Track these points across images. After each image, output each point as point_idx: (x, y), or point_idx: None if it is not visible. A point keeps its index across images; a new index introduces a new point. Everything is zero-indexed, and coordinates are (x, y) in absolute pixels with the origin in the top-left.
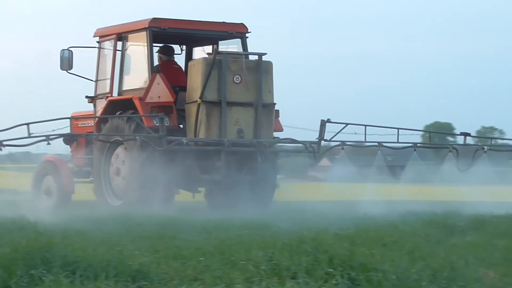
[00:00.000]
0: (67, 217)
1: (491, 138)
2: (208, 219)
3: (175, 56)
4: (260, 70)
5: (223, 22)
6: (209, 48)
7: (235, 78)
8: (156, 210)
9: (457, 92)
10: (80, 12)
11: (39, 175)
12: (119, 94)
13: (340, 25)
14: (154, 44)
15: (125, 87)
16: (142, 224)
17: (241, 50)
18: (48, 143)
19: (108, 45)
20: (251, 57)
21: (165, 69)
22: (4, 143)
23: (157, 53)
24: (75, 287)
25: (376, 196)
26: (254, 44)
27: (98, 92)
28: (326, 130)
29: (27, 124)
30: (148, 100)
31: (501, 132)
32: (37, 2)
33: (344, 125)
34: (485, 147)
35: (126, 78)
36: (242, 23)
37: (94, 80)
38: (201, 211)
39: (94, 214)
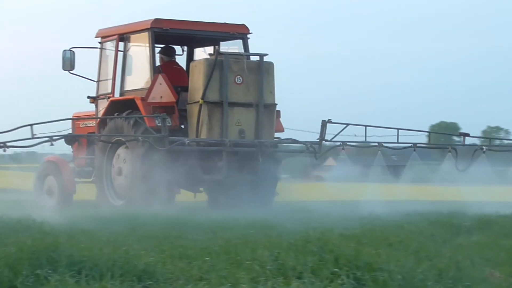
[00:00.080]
0: (73, 217)
1: (490, 138)
2: (214, 219)
3: (176, 57)
4: (262, 70)
5: (225, 23)
6: (210, 49)
7: (236, 79)
8: (157, 209)
9: (463, 91)
10: (82, 13)
11: (41, 175)
12: (121, 94)
13: (340, 25)
14: (155, 45)
15: (127, 87)
16: (147, 224)
17: (242, 51)
18: (52, 144)
19: (110, 45)
20: (253, 58)
21: (166, 69)
22: (8, 144)
23: (158, 54)
24: (81, 287)
25: (379, 196)
26: (254, 45)
27: (100, 93)
28: (327, 130)
29: (31, 125)
30: (150, 100)
31: (506, 132)
32: (39, 2)
33: (345, 125)
34: (484, 147)
35: (128, 78)
36: (243, 24)
37: (96, 80)
38: (207, 211)
39: (99, 214)
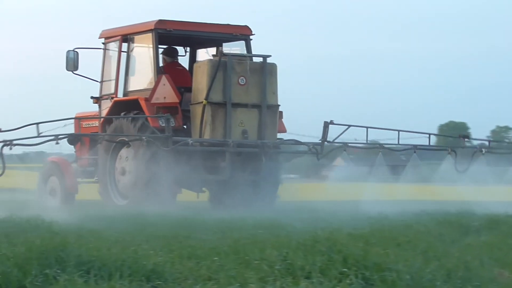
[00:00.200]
0: (81, 217)
1: (489, 141)
2: (222, 219)
3: (178, 57)
4: (265, 72)
5: (228, 24)
6: (213, 50)
7: (240, 80)
8: (159, 209)
9: (472, 91)
10: (83, 13)
11: (44, 175)
12: (124, 95)
13: (341, 25)
14: (159, 46)
15: (130, 88)
16: (156, 224)
17: (245, 52)
18: (57, 143)
19: (113, 46)
20: (256, 59)
21: (169, 70)
22: (14, 142)
23: (161, 55)
24: (90, 287)
25: (385, 196)
26: (255, 45)
27: (103, 93)
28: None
29: (37, 123)
30: (154, 100)
31: None
32: (39, 3)
33: (347, 127)
34: (483, 149)
35: (131, 79)
36: (246, 26)
37: (99, 81)
38: (215, 211)
39: (107, 214)
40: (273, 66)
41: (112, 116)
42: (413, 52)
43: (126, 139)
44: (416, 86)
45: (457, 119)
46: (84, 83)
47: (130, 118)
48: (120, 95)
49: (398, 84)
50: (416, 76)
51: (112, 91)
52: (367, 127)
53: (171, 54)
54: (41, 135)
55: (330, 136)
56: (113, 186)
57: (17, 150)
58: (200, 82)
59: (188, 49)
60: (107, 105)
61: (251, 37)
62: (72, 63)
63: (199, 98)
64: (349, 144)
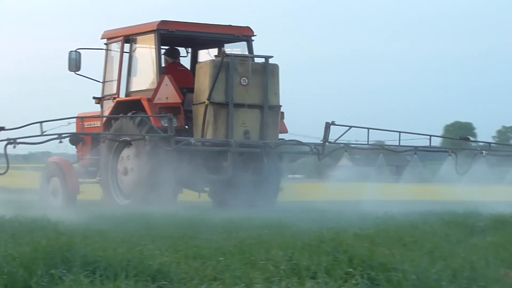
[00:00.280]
0: (86, 217)
1: (490, 143)
2: (228, 219)
3: (180, 58)
4: (267, 72)
5: (229, 25)
6: (214, 51)
7: (242, 80)
8: (161, 209)
9: (478, 91)
10: (82, 13)
11: (46, 176)
12: (126, 95)
13: (341, 25)
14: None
15: (133, 88)
16: (162, 224)
17: (246, 53)
18: (60, 141)
19: (115, 47)
20: (257, 60)
21: (170, 71)
22: (18, 140)
23: (163, 56)
24: (95, 287)
25: (390, 196)
26: (255, 45)
27: (105, 93)
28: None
29: (40, 122)
30: (156, 101)
31: None
32: (39, 2)
33: (348, 127)
34: (484, 151)
35: (133, 79)
36: (248, 27)
37: (101, 81)
38: (220, 211)
39: (113, 214)
40: (275, 67)
41: (114, 116)
42: (416, 52)
43: (129, 139)
44: (421, 86)
45: (463, 119)
46: (86, 83)
47: (132, 118)
48: (122, 95)
49: (401, 84)
50: (420, 77)
51: (114, 91)
52: (368, 128)
53: (172, 55)
54: (44, 134)
55: (333, 137)
56: (115, 186)
57: (23, 151)
58: (203, 83)
59: (189, 50)
60: (109, 105)
61: (252, 38)
62: (74, 63)
63: (201, 98)
64: (351, 145)
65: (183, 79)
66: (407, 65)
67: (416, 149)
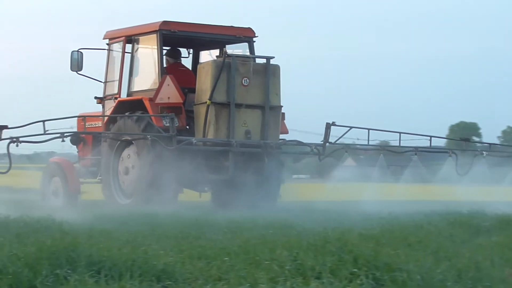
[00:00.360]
0: (90, 217)
1: (491, 144)
2: (232, 219)
3: (182, 59)
4: (268, 73)
5: (231, 26)
6: (215, 52)
7: (243, 81)
8: (162, 208)
9: (484, 91)
10: (82, 13)
11: (47, 176)
12: (128, 95)
13: (345, 26)
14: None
15: (134, 88)
16: (166, 224)
17: (247, 53)
18: (63, 140)
19: (117, 47)
20: (259, 61)
21: (172, 71)
22: (21, 139)
23: (164, 56)
24: (100, 287)
25: (394, 196)
26: (257, 46)
27: (107, 93)
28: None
29: (43, 121)
30: (158, 100)
31: None
32: (40, 2)
33: (348, 128)
34: (484, 152)
35: (135, 79)
36: (249, 28)
37: (103, 81)
38: (221, 210)
39: (117, 214)
40: (276, 68)
41: (116, 115)
42: (419, 52)
43: (130, 138)
44: (425, 86)
45: (468, 119)
46: (88, 83)
47: (134, 117)
48: (124, 95)
49: (404, 84)
50: (424, 77)
51: (116, 91)
52: (368, 129)
53: (174, 55)
54: (47, 132)
55: (336, 137)
56: (117, 186)
57: (28, 150)
58: (204, 83)
59: (191, 50)
60: (110, 105)
61: (254, 39)
62: (76, 63)
63: (203, 99)
64: (351, 146)
65: (185, 80)
66: (412, 65)
67: (416, 149)
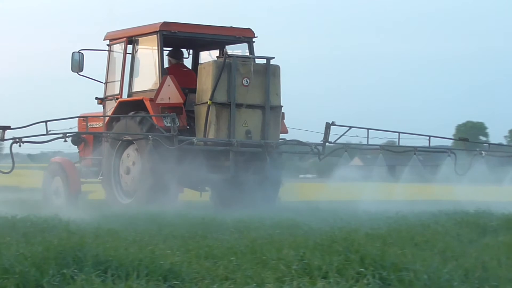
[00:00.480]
0: (96, 216)
1: (490, 143)
2: (239, 219)
3: (184, 60)
4: (268, 73)
5: (231, 26)
6: (215, 53)
7: (244, 81)
8: (162, 207)
9: (490, 90)
10: (82, 13)
11: (49, 176)
12: (128, 95)
13: (345, 26)
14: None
15: (135, 89)
16: (173, 224)
17: (247, 54)
18: (65, 141)
19: (118, 48)
20: (259, 61)
21: (174, 72)
22: (23, 139)
23: (167, 56)
24: (107, 286)
25: (398, 196)
26: (258, 46)
27: (107, 94)
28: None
29: (45, 121)
30: (158, 101)
31: None
32: (40, 2)
33: (348, 128)
34: (483, 152)
35: (136, 80)
36: (249, 28)
37: (104, 82)
38: (221, 210)
39: (124, 213)
40: (276, 68)
41: (117, 115)
42: (422, 52)
43: (132, 138)
44: (431, 86)
45: (475, 119)
46: (89, 84)
47: (135, 117)
48: (124, 96)
49: (408, 84)
50: (431, 76)
51: (117, 92)
52: (368, 129)
53: (176, 56)
54: (49, 133)
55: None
56: (118, 185)
57: (34, 150)
58: (205, 83)
59: (191, 51)
60: (111, 105)
61: (253, 39)
62: (77, 64)
63: (203, 99)
64: (350, 145)
65: (186, 80)
66: (412, 65)
67: (415, 149)
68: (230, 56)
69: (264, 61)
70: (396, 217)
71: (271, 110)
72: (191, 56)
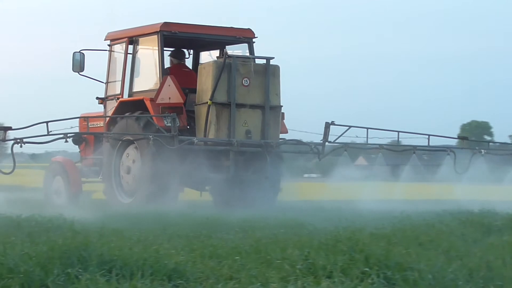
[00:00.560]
0: (101, 216)
1: (489, 142)
2: (243, 218)
3: (185, 60)
4: (268, 73)
5: (231, 27)
6: (215, 53)
7: (244, 81)
8: (163, 207)
9: (495, 90)
10: (82, 13)
11: (50, 175)
12: (129, 95)
13: (345, 26)
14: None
15: (136, 88)
16: (177, 223)
17: (247, 54)
18: (66, 141)
19: (119, 48)
20: (259, 61)
21: (175, 72)
22: (24, 140)
23: (169, 57)
24: (111, 286)
25: (402, 196)
26: (258, 46)
27: (108, 94)
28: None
29: (46, 122)
30: (159, 101)
31: None
32: (40, 2)
33: (347, 127)
34: (483, 150)
35: (136, 80)
36: (249, 28)
37: (104, 82)
38: (220, 209)
39: (128, 213)
40: (276, 68)
41: (118, 116)
42: (426, 52)
43: (132, 138)
44: (437, 85)
45: (480, 118)
46: (90, 84)
47: (135, 117)
48: (125, 96)
49: (412, 84)
50: (435, 76)
51: (118, 92)
52: (367, 128)
53: (178, 56)
54: (50, 133)
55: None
56: (118, 185)
57: (39, 150)
58: (205, 83)
59: (191, 51)
60: (112, 105)
61: (253, 39)
62: (78, 64)
63: (204, 99)
64: (350, 145)
65: (187, 80)
66: (412, 65)
67: (414, 148)
68: (230, 56)
69: (264, 61)
70: (401, 216)
71: (271, 110)
72: (191, 56)
